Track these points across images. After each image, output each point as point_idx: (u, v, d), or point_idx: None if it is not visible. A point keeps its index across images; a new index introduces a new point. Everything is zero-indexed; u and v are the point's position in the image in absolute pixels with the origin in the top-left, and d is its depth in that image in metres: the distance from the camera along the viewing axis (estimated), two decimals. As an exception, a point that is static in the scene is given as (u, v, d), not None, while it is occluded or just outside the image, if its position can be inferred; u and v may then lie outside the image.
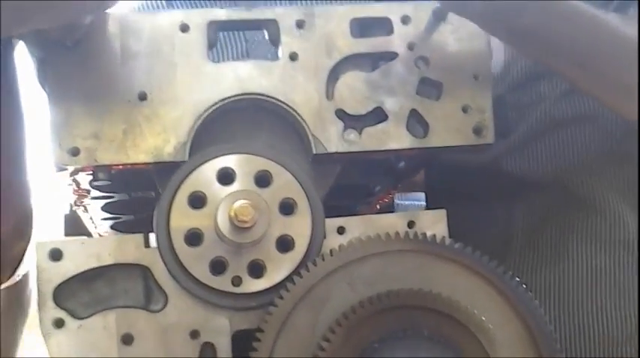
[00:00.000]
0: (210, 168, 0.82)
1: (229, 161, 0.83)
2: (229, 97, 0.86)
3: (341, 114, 0.87)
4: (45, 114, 0.83)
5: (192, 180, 0.82)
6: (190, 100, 0.85)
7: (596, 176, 1.03)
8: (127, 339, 0.81)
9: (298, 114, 0.86)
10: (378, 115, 0.87)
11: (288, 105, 0.86)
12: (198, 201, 0.82)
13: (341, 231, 0.86)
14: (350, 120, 0.87)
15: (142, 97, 0.84)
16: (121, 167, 0.84)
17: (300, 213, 0.83)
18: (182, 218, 0.81)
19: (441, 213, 0.89)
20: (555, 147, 1.04)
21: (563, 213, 1.03)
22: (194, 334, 0.82)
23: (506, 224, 1.07)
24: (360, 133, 0.87)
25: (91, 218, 1.08)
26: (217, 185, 0.82)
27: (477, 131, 0.88)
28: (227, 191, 0.81)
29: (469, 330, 0.79)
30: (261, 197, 0.81)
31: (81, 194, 0.96)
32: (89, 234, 1.11)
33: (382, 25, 0.89)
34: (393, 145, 0.87)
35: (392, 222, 0.87)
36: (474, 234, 1.06)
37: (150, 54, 0.85)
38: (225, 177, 0.82)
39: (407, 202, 1.34)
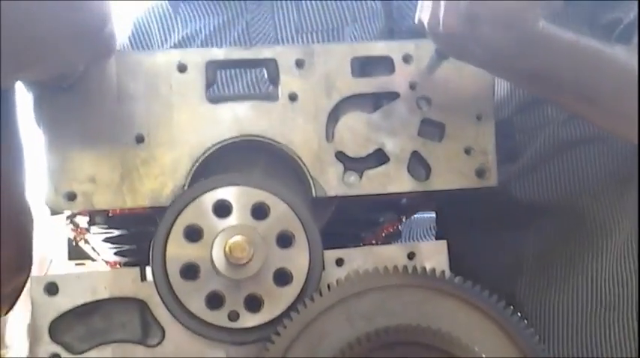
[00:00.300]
0: (207, 201, 0.81)
1: (226, 193, 0.81)
2: (227, 139, 0.84)
3: (341, 156, 0.86)
4: (40, 157, 0.82)
5: (188, 213, 0.80)
6: (188, 142, 0.84)
7: (604, 198, 1.01)
8: None
9: (297, 156, 0.85)
10: (379, 157, 0.86)
11: (287, 147, 0.85)
12: (194, 233, 0.80)
13: (340, 262, 0.85)
14: (350, 163, 0.86)
15: (140, 140, 0.83)
16: (118, 211, 0.83)
17: (298, 246, 0.81)
18: (178, 251, 0.80)
19: (442, 244, 0.88)
20: (563, 170, 1.03)
21: (573, 236, 1.02)
22: None
23: (517, 250, 1.06)
24: (360, 176, 0.86)
25: (93, 248, 1.07)
26: (214, 218, 0.81)
27: (480, 173, 0.87)
28: (224, 224, 0.80)
29: None
30: (257, 231, 0.80)
31: (80, 232, 0.95)
32: (94, 259, 1.10)
33: (383, 65, 0.87)
34: (394, 188, 0.86)
35: (392, 254, 0.86)
36: (483, 260, 1.06)
37: (147, 95, 0.84)
38: (222, 209, 0.81)
39: (417, 215, 1.31)
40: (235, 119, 0.84)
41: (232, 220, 0.80)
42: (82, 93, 0.83)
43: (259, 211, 0.81)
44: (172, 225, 0.80)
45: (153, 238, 0.81)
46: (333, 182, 0.85)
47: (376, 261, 0.84)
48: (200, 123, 0.84)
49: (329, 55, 0.86)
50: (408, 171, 0.86)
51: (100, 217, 0.85)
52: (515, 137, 1.05)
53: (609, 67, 0.82)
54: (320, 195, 0.84)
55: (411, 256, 0.86)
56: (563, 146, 1.02)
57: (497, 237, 1.08)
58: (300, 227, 0.82)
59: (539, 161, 1.04)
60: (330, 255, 0.85)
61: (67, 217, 0.87)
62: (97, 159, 0.82)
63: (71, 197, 0.82)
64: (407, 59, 0.87)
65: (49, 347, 0.81)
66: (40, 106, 0.83)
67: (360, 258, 0.85)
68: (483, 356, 0.78)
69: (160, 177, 0.83)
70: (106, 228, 0.94)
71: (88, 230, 0.94)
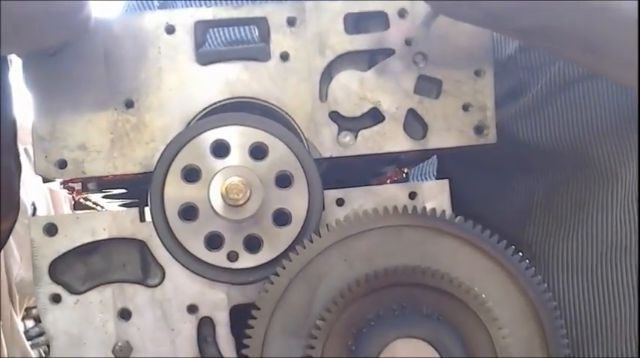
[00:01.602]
0: (204, 141, 0.79)
1: (223, 133, 0.80)
2: (218, 102, 0.82)
3: (335, 116, 0.84)
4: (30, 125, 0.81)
5: (185, 153, 0.79)
6: (178, 107, 0.82)
7: (611, 137, 0.99)
8: (124, 314, 0.81)
9: (291, 117, 0.83)
10: (374, 116, 0.84)
11: (280, 108, 0.83)
12: (192, 174, 0.79)
13: (340, 202, 0.84)
14: (345, 123, 0.84)
15: (129, 105, 0.81)
16: (110, 178, 0.82)
17: (297, 186, 0.80)
18: (176, 192, 0.79)
19: (444, 184, 0.86)
20: (569, 108, 1.00)
21: (581, 177, 1.00)
22: (192, 308, 0.82)
23: (525, 194, 1.05)
24: (355, 136, 0.84)
25: (95, 203, 1.07)
26: (211, 158, 0.79)
27: (479, 130, 0.85)
28: (221, 164, 0.79)
29: (469, 308, 0.77)
30: (255, 172, 0.78)
31: (77, 193, 0.94)
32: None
33: (378, 20, 0.84)
34: (390, 148, 0.84)
35: (393, 193, 0.85)
36: (491, 206, 1.05)
37: (135, 58, 0.81)
38: (220, 149, 0.80)
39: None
40: (226, 81, 0.82)
41: (230, 160, 0.79)
42: (69, 58, 0.81)
43: (258, 151, 0.80)
44: (170, 166, 0.79)
45: (151, 179, 0.80)
46: (327, 143, 0.83)
47: (377, 201, 0.83)
48: (190, 87, 0.82)
49: (321, 11, 0.83)
50: (404, 129, 0.84)
51: (92, 184, 0.84)
52: (520, 75, 1.02)
53: (615, 17, 0.78)
54: (314, 156, 0.83)
55: (412, 196, 0.85)
56: (569, 83, 0.99)
57: (505, 182, 1.06)
58: (299, 167, 0.80)
59: (544, 100, 1.01)
60: (331, 194, 0.83)
61: (61, 183, 0.86)
62: (87, 126, 0.81)
63: (62, 165, 0.81)
64: (402, 14, 0.84)
65: (49, 287, 0.81)
66: (27, 73, 0.81)
67: (360, 198, 0.84)
68: (484, 296, 0.78)
69: (150, 143, 0.81)
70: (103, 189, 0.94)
71: (85, 190, 0.93)
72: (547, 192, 1.03)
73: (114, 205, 1.10)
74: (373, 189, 0.85)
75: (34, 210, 2.15)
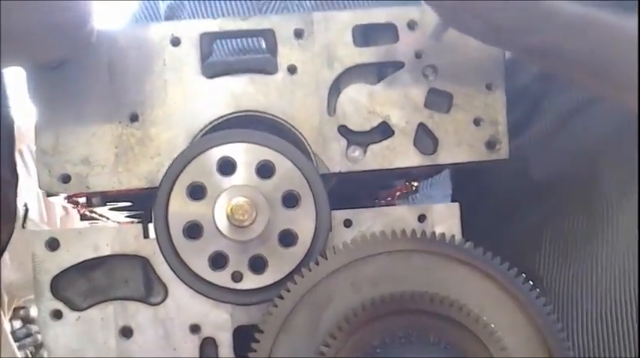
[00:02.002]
0: (210, 158, 0.78)
1: (230, 150, 0.78)
2: (224, 116, 0.81)
3: (344, 130, 0.82)
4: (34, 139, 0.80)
5: (191, 170, 0.78)
6: (184, 120, 0.81)
7: (615, 162, 0.97)
8: (125, 332, 0.80)
9: (298, 131, 0.81)
10: (384, 131, 0.83)
11: (288, 122, 0.81)
12: (197, 191, 0.78)
13: (348, 223, 0.82)
14: (354, 137, 0.82)
15: (134, 119, 0.80)
16: (114, 192, 0.81)
17: (304, 207, 0.79)
18: (181, 209, 0.78)
19: (454, 207, 0.84)
20: (576, 134, 0.98)
21: (589, 205, 0.99)
22: (194, 328, 0.80)
23: (535, 223, 1.03)
24: (364, 151, 0.82)
25: (101, 215, 1.05)
26: (217, 175, 0.78)
27: (490, 145, 0.83)
28: (228, 182, 0.78)
29: (477, 337, 0.76)
30: (261, 192, 0.77)
31: (82, 207, 0.93)
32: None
33: (387, 32, 0.83)
34: (400, 163, 0.83)
35: (402, 215, 0.83)
36: (501, 235, 1.03)
37: (140, 71, 0.80)
38: (226, 167, 0.78)
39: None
40: (232, 94, 0.81)
41: (237, 178, 0.78)
42: (73, 71, 0.80)
43: (264, 170, 0.79)
44: (175, 182, 0.78)
45: (155, 195, 0.79)
46: (336, 158, 0.82)
47: (386, 223, 0.81)
48: (196, 100, 0.81)
49: (329, 23, 0.82)
50: (415, 144, 0.82)
51: (96, 198, 0.82)
52: (530, 103, 1.01)
53: (621, 41, 0.77)
54: (323, 172, 0.81)
55: (421, 219, 0.83)
56: (577, 110, 0.98)
57: (515, 211, 1.05)
58: (306, 187, 0.79)
59: (553, 128, 0.99)
60: (339, 215, 0.82)
61: (65, 197, 0.84)
62: (91, 140, 0.80)
63: (65, 179, 0.80)
64: (411, 26, 0.83)
65: (50, 303, 0.80)
66: (30, 84, 0.81)
67: (369, 219, 0.82)
68: (492, 325, 0.76)
69: (155, 158, 0.80)
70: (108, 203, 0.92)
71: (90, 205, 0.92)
72: (556, 222, 1.01)
73: (120, 216, 1.08)
74: (382, 210, 0.83)
75: (26, 211, 2.13)
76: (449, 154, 0.83)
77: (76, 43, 0.71)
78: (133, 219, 1.07)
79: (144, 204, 0.86)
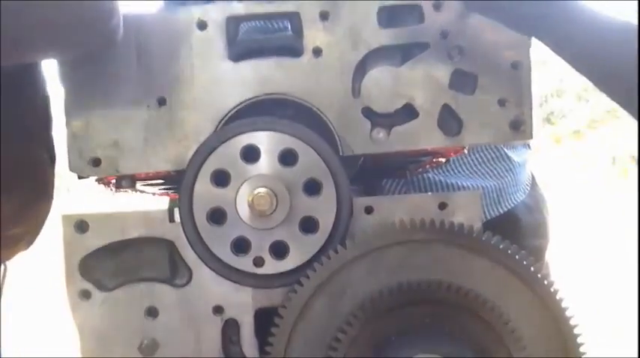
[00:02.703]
0: (235, 145, 0.80)
1: (254, 138, 0.80)
2: (251, 99, 0.82)
3: (368, 112, 0.82)
4: (63, 124, 0.82)
5: (216, 157, 0.80)
6: (211, 104, 0.82)
7: None
8: (151, 312, 0.82)
9: (323, 113, 0.82)
10: (408, 112, 0.83)
11: (312, 105, 0.82)
12: (222, 178, 0.80)
13: (369, 210, 0.83)
14: (378, 119, 0.83)
15: (162, 102, 0.81)
16: (143, 175, 0.82)
17: (326, 194, 0.80)
18: (205, 195, 0.80)
19: (476, 195, 0.85)
20: None
21: None
22: (217, 309, 0.82)
23: None
24: (388, 132, 0.83)
25: (135, 190, 1.07)
26: (241, 162, 0.80)
27: (515, 126, 0.83)
28: (251, 169, 0.80)
29: (493, 328, 0.77)
30: (283, 182, 0.79)
31: (115, 186, 0.95)
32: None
33: (413, 13, 0.83)
34: (425, 144, 0.83)
35: (422, 203, 0.83)
36: None
37: (167, 55, 0.81)
38: (250, 154, 0.80)
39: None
40: (258, 78, 0.82)
41: (260, 165, 0.80)
42: (100, 57, 0.80)
43: (287, 157, 0.80)
44: (200, 169, 0.80)
45: (181, 180, 0.81)
46: (360, 139, 0.82)
47: (406, 210, 0.82)
48: (222, 84, 0.82)
49: (355, 5, 0.82)
50: (439, 125, 0.83)
51: (126, 181, 0.84)
52: None
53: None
54: (347, 153, 0.82)
55: (442, 206, 0.83)
56: None
57: None
58: (328, 175, 0.80)
59: None
60: (360, 202, 0.83)
61: (96, 179, 0.86)
62: (120, 124, 0.81)
63: (96, 163, 0.81)
64: (437, 6, 0.82)
65: (80, 284, 0.82)
66: (61, 70, 0.82)
67: (390, 206, 0.83)
68: (508, 315, 0.77)
69: (183, 141, 0.81)
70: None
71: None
72: None
73: (154, 188, 1.10)
74: (402, 197, 0.85)
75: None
76: (473, 136, 0.83)
77: (102, 39, 0.72)
78: (168, 191, 1.09)
79: (174, 182, 0.88)
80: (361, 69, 0.82)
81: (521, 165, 1.24)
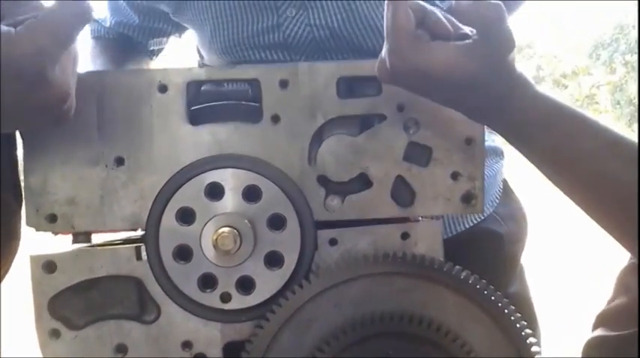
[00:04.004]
0: (199, 183, 0.82)
1: (218, 175, 0.82)
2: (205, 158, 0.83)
3: (323, 180, 0.84)
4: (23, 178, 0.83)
5: (180, 195, 0.82)
6: (168, 165, 0.83)
7: None
8: (121, 349, 0.84)
9: (284, 172, 0.84)
10: (363, 182, 0.84)
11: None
12: (187, 215, 0.82)
13: (333, 242, 0.85)
14: (332, 187, 0.84)
15: (120, 162, 0.83)
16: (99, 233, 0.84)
17: (290, 228, 0.83)
18: (171, 232, 0.82)
19: (437, 224, 0.86)
20: None
21: None
22: (186, 344, 0.84)
23: None
24: (342, 201, 0.84)
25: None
26: (206, 200, 0.82)
27: (466, 199, 0.85)
28: (216, 206, 0.82)
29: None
30: (247, 219, 0.81)
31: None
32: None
33: (371, 85, 0.84)
34: (377, 214, 0.84)
35: (386, 233, 0.85)
36: None
37: (128, 116, 0.82)
38: (214, 191, 0.82)
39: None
40: (216, 140, 0.83)
41: (225, 202, 0.82)
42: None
43: (251, 194, 0.82)
44: (165, 207, 0.82)
45: (146, 219, 0.82)
46: (314, 206, 0.84)
47: (370, 241, 0.85)
48: (180, 145, 0.83)
49: (314, 74, 0.83)
50: (392, 196, 0.84)
51: (82, 237, 0.85)
52: None
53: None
54: (304, 217, 0.84)
55: (404, 236, 0.85)
56: None
57: None
58: (292, 209, 0.83)
59: None
60: (324, 234, 0.85)
61: (53, 233, 0.87)
62: (78, 182, 0.82)
63: (52, 219, 0.82)
64: (395, 79, 0.84)
65: (49, 323, 0.83)
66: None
67: (353, 238, 0.85)
68: (470, 344, 0.79)
69: (139, 201, 0.83)
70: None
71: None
72: None
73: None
74: (367, 229, 0.85)
75: None
76: (425, 207, 0.84)
77: (54, 120, 0.73)
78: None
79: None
80: (318, 137, 0.84)
81: (490, 178, 1.23)
